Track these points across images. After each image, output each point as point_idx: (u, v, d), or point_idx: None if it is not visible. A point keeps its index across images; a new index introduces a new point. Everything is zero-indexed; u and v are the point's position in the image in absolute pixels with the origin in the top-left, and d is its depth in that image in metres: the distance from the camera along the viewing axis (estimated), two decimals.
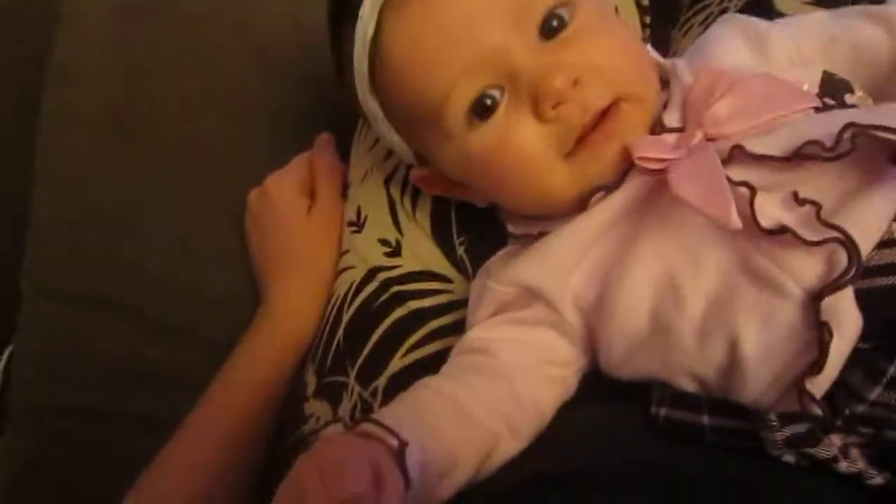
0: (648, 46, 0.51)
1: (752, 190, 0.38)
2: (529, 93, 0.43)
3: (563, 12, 0.44)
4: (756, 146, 0.40)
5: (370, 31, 0.46)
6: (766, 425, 0.38)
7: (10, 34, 0.82)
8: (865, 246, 0.37)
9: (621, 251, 0.43)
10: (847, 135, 0.37)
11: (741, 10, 0.62)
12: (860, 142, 0.36)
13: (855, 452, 0.37)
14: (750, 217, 0.38)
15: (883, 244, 0.37)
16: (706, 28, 0.64)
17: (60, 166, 0.73)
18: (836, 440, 0.37)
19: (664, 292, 0.42)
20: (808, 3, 0.59)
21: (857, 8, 0.50)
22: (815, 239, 0.37)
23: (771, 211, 0.38)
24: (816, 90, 0.44)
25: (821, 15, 0.50)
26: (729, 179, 0.39)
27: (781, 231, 0.37)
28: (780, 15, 0.59)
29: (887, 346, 0.37)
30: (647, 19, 0.70)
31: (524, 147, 0.43)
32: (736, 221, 0.37)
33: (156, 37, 0.76)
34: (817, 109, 0.42)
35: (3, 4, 0.81)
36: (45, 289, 0.72)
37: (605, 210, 0.44)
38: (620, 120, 0.43)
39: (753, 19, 0.50)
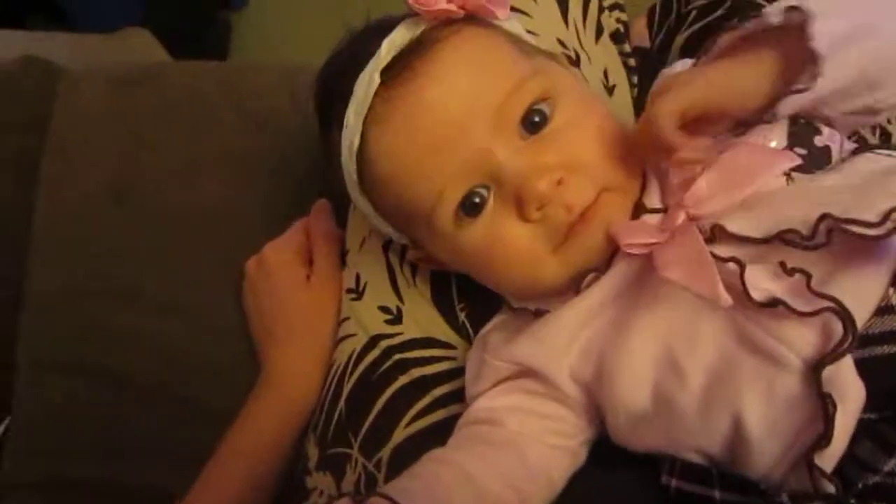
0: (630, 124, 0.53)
1: (741, 265, 0.39)
2: (514, 195, 0.43)
3: (545, 107, 0.45)
4: (735, 227, 0.40)
5: (356, 142, 0.46)
6: None
7: (9, 104, 0.82)
8: (861, 314, 0.37)
9: (618, 327, 0.44)
10: (822, 227, 0.37)
11: None
12: (835, 236, 0.37)
13: None
14: (741, 291, 0.38)
15: (881, 311, 0.38)
16: None
17: (56, 236, 0.74)
18: None
19: (664, 368, 0.42)
20: None
21: None
22: (808, 310, 0.37)
23: (761, 283, 0.39)
24: (785, 143, 0.44)
25: None
26: (716, 256, 0.39)
27: (774, 304, 0.37)
28: None
29: (894, 418, 0.37)
30: (635, 79, 0.72)
31: (513, 244, 0.44)
32: (725, 297, 0.38)
33: (151, 107, 0.77)
34: (794, 169, 0.43)
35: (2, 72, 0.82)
36: (42, 359, 0.72)
37: (598, 291, 0.45)
38: (603, 210, 0.44)
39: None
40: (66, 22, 1.56)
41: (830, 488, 0.36)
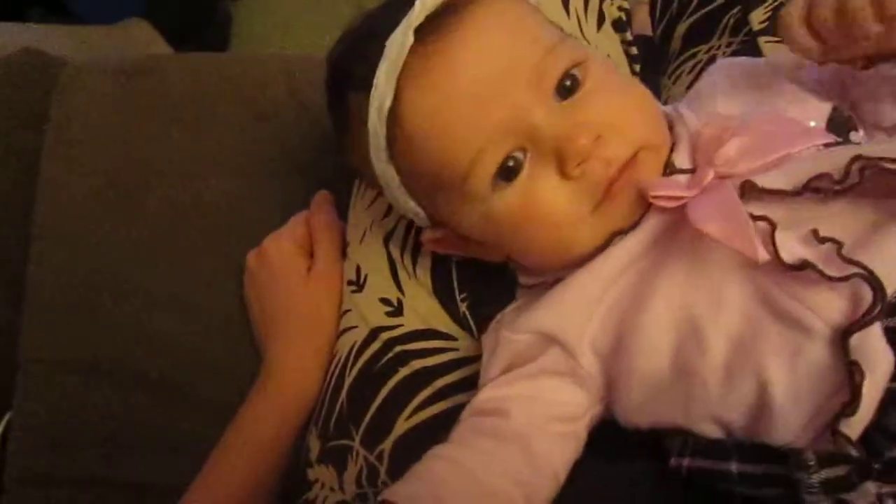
0: None
1: (773, 224, 0.38)
2: (554, 153, 0.43)
3: (577, 72, 0.45)
4: (766, 181, 0.40)
5: (388, 102, 0.45)
6: (803, 466, 0.37)
7: (9, 96, 0.82)
8: (891, 281, 0.37)
9: (639, 292, 0.43)
10: (855, 167, 0.37)
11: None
12: (869, 174, 0.37)
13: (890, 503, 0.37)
14: (772, 252, 0.38)
15: None
16: (697, 74, 0.65)
17: (58, 231, 0.73)
18: (871, 488, 0.36)
19: (685, 333, 0.41)
20: None
21: None
22: (838, 275, 0.36)
23: (793, 246, 0.38)
24: (824, 127, 0.45)
25: None
26: (749, 214, 0.39)
27: (803, 266, 0.37)
28: None
29: None
30: (637, 67, 0.72)
31: (552, 204, 0.44)
32: (763, 253, 0.37)
33: (151, 100, 0.76)
34: (826, 145, 0.43)
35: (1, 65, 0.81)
36: (44, 356, 0.71)
37: (622, 251, 0.44)
38: (640, 166, 0.44)
39: (752, 60, 0.52)
40: (66, 15, 1.56)
41: (857, 454, 0.36)
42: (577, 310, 0.45)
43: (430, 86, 0.44)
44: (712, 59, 0.65)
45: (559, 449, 0.45)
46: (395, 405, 0.54)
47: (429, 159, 0.46)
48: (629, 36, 0.71)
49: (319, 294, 0.61)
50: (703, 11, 0.67)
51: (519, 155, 0.44)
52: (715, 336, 0.40)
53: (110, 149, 0.74)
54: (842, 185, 0.38)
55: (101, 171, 0.73)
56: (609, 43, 0.67)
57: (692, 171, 0.44)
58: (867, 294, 0.36)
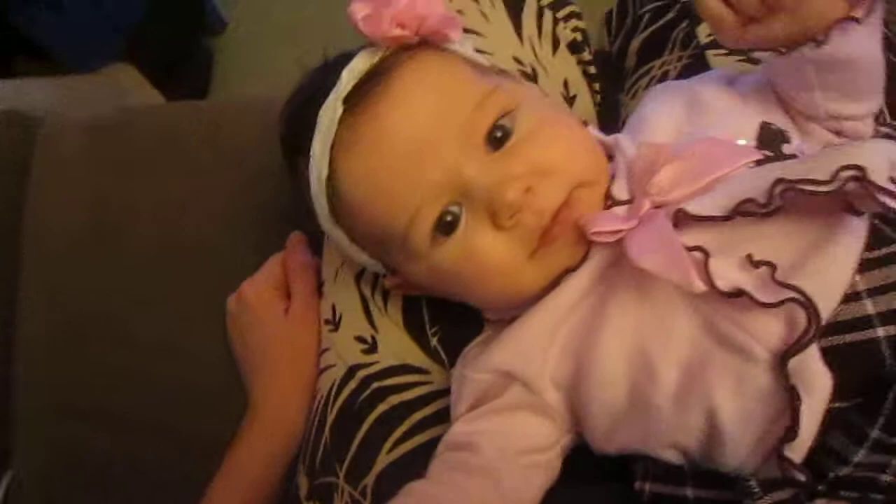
0: (590, 127, 0.53)
1: (706, 253, 0.39)
2: (486, 207, 0.44)
3: (506, 122, 0.45)
4: (697, 208, 0.41)
5: (324, 172, 0.47)
6: (747, 493, 0.38)
7: None
8: (827, 302, 0.38)
9: (592, 326, 0.44)
10: (777, 190, 0.38)
11: (679, 73, 0.64)
12: (790, 196, 0.38)
13: None
14: (707, 281, 0.39)
15: (848, 298, 0.38)
16: None
17: (43, 282, 0.76)
18: None
19: (638, 364, 0.42)
20: (741, 61, 0.61)
21: None
22: (771, 301, 0.37)
23: (728, 273, 0.39)
24: (754, 143, 0.45)
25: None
26: (683, 245, 0.40)
27: (738, 294, 0.38)
28: None
29: (867, 405, 0.37)
30: (597, 86, 0.73)
31: (491, 255, 0.45)
32: (699, 284, 0.38)
33: (128, 149, 0.79)
34: (758, 162, 0.43)
35: None
36: (38, 405, 0.74)
37: (571, 288, 0.45)
38: (575, 206, 0.44)
39: (686, 82, 0.52)
40: (49, 61, 1.58)
41: (801, 478, 0.37)
42: (533, 347, 0.46)
43: (362, 154, 0.46)
44: (665, 75, 0.66)
45: (530, 480, 0.47)
46: (376, 441, 0.55)
47: (370, 222, 0.47)
48: (587, 55, 0.72)
49: (297, 333, 0.63)
50: (654, 27, 0.68)
51: (455, 209, 0.45)
52: (665, 366, 0.41)
53: (89, 200, 0.76)
54: (766, 209, 0.39)
55: (81, 220, 0.76)
56: (565, 66, 0.69)
57: (630, 201, 0.45)
58: (801, 318, 0.37)
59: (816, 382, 0.37)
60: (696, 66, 0.63)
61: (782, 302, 0.37)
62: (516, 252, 0.45)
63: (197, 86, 1.64)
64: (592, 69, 0.73)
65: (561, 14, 0.69)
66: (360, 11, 0.46)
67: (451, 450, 0.48)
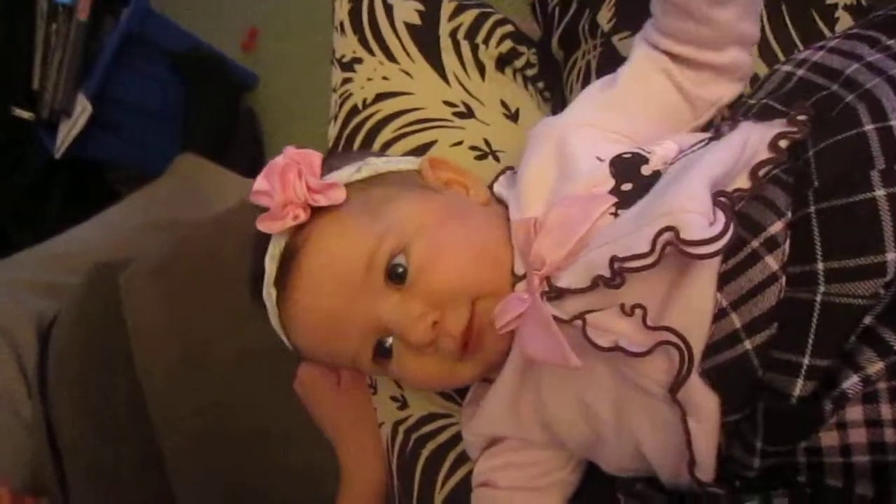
0: (498, 182, 0.58)
1: (584, 321, 0.44)
2: (404, 342, 0.50)
3: (401, 260, 0.49)
4: (565, 282, 0.45)
5: (282, 334, 0.56)
6: None
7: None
8: (699, 329, 0.41)
9: (538, 390, 0.50)
10: (616, 267, 0.41)
11: (599, 62, 0.66)
12: (626, 272, 0.41)
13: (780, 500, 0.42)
14: (589, 343, 0.43)
15: (717, 317, 0.41)
16: (583, 83, 0.68)
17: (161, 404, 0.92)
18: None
19: (584, 410, 0.48)
20: None
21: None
22: (643, 349, 0.41)
23: (611, 325, 0.43)
24: (612, 184, 0.47)
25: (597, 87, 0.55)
26: (560, 320, 0.44)
27: (615, 349, 0.42)
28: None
29: (751, 416, 0.41)
30: (541, 85, 0.75)
31: (423, 371, 0.52)
32: (575, 362, 0.43)
33: (184, 281, 0.93)
34: (619, 204, 0.46)
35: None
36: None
37: (511, 363, 0.51)
38: (483, 317, 0.49)
39: (559, 125, 0.54)
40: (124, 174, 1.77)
41: (717, 492, 0.42)
42: (504, 419, 0.53)
43: (298, 326, 0.53)
44: (588, 65, 0.67)
45: (542, 497, 0.55)
46: (428, 483, 0.65)
47: (326, 363, 0.58)
48: (520, 62, 0.74)
49: (352, 400, 0.73)
50: (565, 22, 0.69)
51: (386, 339, 0.52)
52: (601, 408, 0.47)
53: (172, 334, 0.90)
54: (613, 283, 0.42)
55: (172, 354, 0.90)
56: (498, 87, 0.72)
57: (524, 276, 0.49)
58: (675, 355, 0.41)
59: (704, 406, 0.41)
60: (608, 53, 0.65)
61: (653, 348, 0.41)
62: (445, 363, 0.51)
63: (253, 146, 1.79)
64: (531, 71, 0.75)
65: (479, 38, 0.72)
66: (260, 220, 0.51)
67: (478, 486, 0.57)
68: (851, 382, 0.37)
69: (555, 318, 0.45)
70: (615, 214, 0.47)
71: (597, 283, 0.43)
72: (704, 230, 0.39)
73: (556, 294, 0.45)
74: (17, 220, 1.65)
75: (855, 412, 0.39)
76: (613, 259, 0.41)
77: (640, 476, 0.50)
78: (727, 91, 0.54)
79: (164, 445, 0.91)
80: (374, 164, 0.56)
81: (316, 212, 0.51)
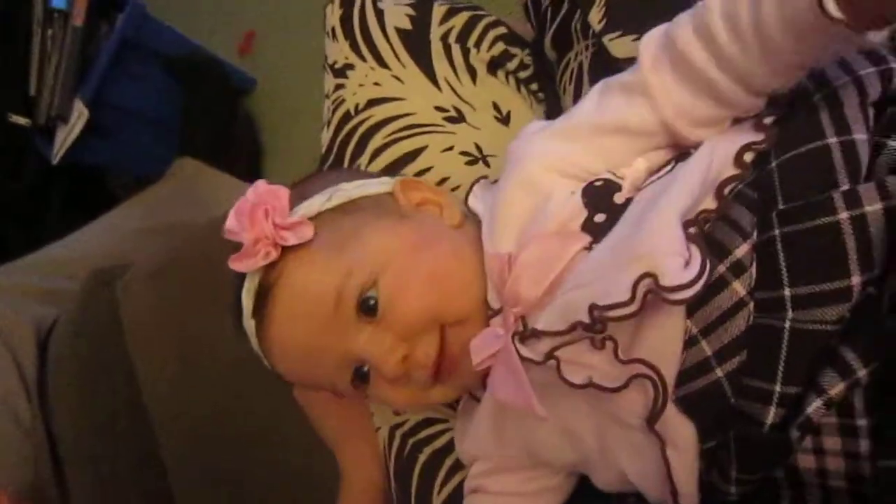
0: (473, 193, 0.57)
1: (557, 360, 0.44)
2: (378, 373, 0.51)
3: (371, 293, 0.50)
4: (542, 324, 0.45)
5: (265, 360, 0.56)
6: None
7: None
8: (670, 359, 0.41)
9: (522, 415, 0.50)
10: (595, 315, 0.41)
11: (591, 62, 0.66)
12: (606, 320, 0.41)
13: None
14: (564, 380, 0.43)
15: (687, 344, 0.41)
16: (576, 83, 0.68)
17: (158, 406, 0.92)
18: None
19: (569, 437, 0.49)
20: (637, 40, 0.61)
21: (616, 81, 0.50)
22: (618, 385, 0.42)
23: (581, 360, 0.43)
24: (583, 217, 0.47)
25: (588, 106, 0.51)
26: (533, 362, 0.44)
27: (589, 386, 0.43)
28: (619, 62, 0.62)
29: (725, 444, 0.41)
30: (534, 86, 0.75)
31: (398, 399, 0.53)
32: (541, 412, 0.44)
33: (181, 286, 0.93)
34: (593, 240, 0.46)
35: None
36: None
37: (489, 393, 0.51)
38: (453, 348, 0.50)
39: (527, 156, 0.51)
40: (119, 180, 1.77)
41: None
42: (488, 439, 0.54)
43: (277, 356, 0.55)
44: (581, 66, 0.67)
45: (535, 502, 0.55)
46: (426, 487, 0.65)
47: (304, 381, 0.59)
48: (513, 65, 0.74)
49: (350, 407, 0.73)
50: (557, 22, 0.69)
51: (363, 367, 0.52)
52: (586, 435, 0.47)
53: (170, 336, 0.91)
54: (593, 328, 0.41)
55: (168, 354, 0.90)
56: (489, 90, 0.72)
57: (500, 310, 0.49)
58: (649, 387, 0.41)
59: (681, 434, 0.41)
60: (600, 53, 0.64)
61: (627, 382, 0.41)
62: (419, 391, 0.52)
63: (251, 150, 1.79)
64: (524, 73, 0.75)
65: (470, 42, 0.72)
66: (232, 260, 0.52)
67: (470, 493, 0.57)
68: (814, 407, 0.37)
69: (528, 359, 0.45)
70: (589, 248, 0.46)
71: (575, 327, 0.42)
72: (682, 273, 0.38)
73: (531, 334, 0.45)
74: (16, 226, 1.66)
75: (831, 442, 0.38)
76: (593, 307, 0.41)
77: (633, 492, 0.50)
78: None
79: (163, 448, 0.91)
80: (346, 192, 0.55)
81: (286, 249, 0.51)
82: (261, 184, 0.53)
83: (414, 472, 0.66)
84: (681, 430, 0.41)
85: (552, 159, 0.50)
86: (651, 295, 0.39)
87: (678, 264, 0.39)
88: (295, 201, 0.53)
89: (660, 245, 0.40)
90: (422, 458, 0.65)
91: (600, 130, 0.49)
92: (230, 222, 0.52)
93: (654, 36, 0.47)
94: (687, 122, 0.46)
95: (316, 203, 0.54)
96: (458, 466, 0.64)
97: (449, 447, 0.64)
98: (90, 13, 1.56)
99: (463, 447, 0.57)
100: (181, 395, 0.90)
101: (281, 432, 0.85)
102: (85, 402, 0.95)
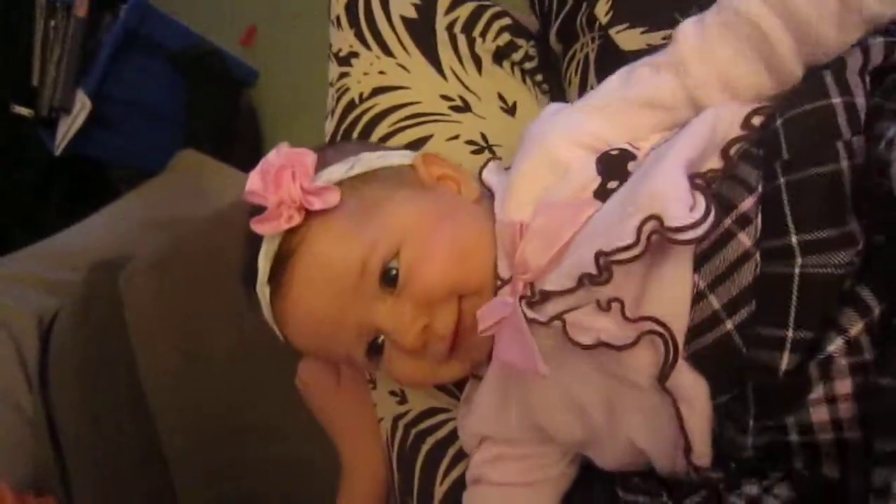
0: (488, 169, 0.57)
1: (563, 322, 0.44)
2: (396, 344, 0.51)
3: (394, 264, 0.50)
4: (549, 284, 0.45)
5: (277, 329, 0.56)
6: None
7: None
8: (679, 316, 0.41)
9: (525, 390, 0.50)
10: (601, 262, 0.41)
11: (597, 54, 0.65)
12: (614, 267, 0.41)
13: (781, 488, 0.42)
14: (571, 341, 0.43)
15: (696, 299, 0.41)
16: (582, 76, 0.68)
17: (160, 402, 0.92)
18: (750, 489, 0.42)
19: (575, 409, 0.48)
20: (644, 33, 0.61)
21: (642, 62, 0.51)
22: (627, 342, 0.41)
23: (592, 322, 0.43)
24: (597, 184, 0.47)
25: (614, 83, 0.52)
26: (538, 322, 0.44)
27: (598, 346, 0.42)
28: (626, 54, 0.61)
29: (741, 396, 0.41)
30: (539, 77, 0.75)
31: (411, 372, 0.53)
32: (543, 369, 0.44)
33: (184, 279, 0.93)
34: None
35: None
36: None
37: (495, 364, 0.51)
38: (468, 319, 0.49)
39: (544, 131, 0.52)
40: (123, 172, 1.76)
41: (715, 476, 0.42)
42: (492, 415, 0.54)
43: (293, 323, 0.54)
44: (587, 58, 0.67)
45: (538, 496, 0.55)
46: (429, 477, 0.64)
47: (320, 357, 0.59)
48: (518, 55, 0.74)
49: (352, 399, 0.73)
50: (563, 14, 0.69)
51: (378, 338, 0.52)
52: (592, 406, 0.47)
53: (171, 328, 0.90)
54: (600, 278, 0.42)
55: (174, 347, 0.90)
56: (495, 81, 0.72)
57: (510, 280, 0.49)
58: (659, 344, 0.41)
59: (693, 390, 0.41)
60: (605, 46, 0.64)
61: (637, 339, 0.41)
62: (431, 365, 0.52)
63: (253, 142, 1.79)
64: (529, 64, 0.75)
65: (476, 32, 0.72)
66: (255, 222, 0.51)
67: (472, 483, 0.57)
68: (836, 345, 0.37)
69: (534, 321, 0.45)
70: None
71: (583, 281, 0.43)
72: (687, 215, 0.39)
73: (539, 298, 0.45)
74: (18, 218, 1.65)
75: (843, 386, 0.38)
76: (599, 254, 0.41)
77: (636, 470, 0.50)
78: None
79: (165, 440, 0.91)
80: (368, 160, 0.55)
81: (310, 213, 0.51)
82: (284, 146, 0.52)
83: (417, 462, 0.65)
84: (693, 386, 0.41)
85: (576, 133, 0.50)
86: (656, 236, 0.39)
87: (682, 207, 0.39)
88: (317, 168, 0.53)
89: (664, 191, 0.40)
90: (425, 448, 0.65)
91: (627, 103, 0.50)
92: (253, 183, 0.51)
93: (692, 20, 0.49)
94: (718, 90, 0.47)
95: (338, 171, 0.54)
96: (460, 457, 0.63)
97: (452, 437, 0.64)
98: (93, 4, 1.56)
99: (466, 428, 0.56)
100: (183, 388, 0.90)
101: (282, 423, 0.85)
102: (87, 393, 0.95)
